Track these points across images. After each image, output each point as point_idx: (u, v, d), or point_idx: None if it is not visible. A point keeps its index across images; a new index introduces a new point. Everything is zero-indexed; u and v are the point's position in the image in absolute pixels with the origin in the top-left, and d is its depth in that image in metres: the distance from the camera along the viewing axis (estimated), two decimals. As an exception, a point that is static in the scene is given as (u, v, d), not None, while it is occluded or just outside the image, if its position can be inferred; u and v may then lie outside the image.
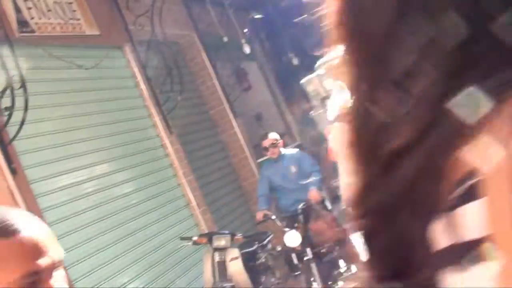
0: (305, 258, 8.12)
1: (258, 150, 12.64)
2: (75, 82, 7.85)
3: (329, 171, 10.12)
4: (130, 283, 7.35)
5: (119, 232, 7.54)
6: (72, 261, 6.55)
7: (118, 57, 9.02)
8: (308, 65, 11.47)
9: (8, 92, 6.08)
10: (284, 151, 9.25)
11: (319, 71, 10.21)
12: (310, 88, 10.23)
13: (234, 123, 11.73)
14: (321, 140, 11.89)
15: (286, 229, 8.07)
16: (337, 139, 4.66)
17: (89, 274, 6.77)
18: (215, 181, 10.89)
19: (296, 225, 8.26)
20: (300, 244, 8.03)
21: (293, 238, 7.95)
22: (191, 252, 8.44)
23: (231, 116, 11.73)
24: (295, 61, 14.59)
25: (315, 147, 14.45)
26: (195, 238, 7.23)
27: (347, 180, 4.55)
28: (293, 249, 8.20)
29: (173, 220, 8.69)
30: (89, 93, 8.04)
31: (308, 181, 8.54)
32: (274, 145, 9.03)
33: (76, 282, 6.49)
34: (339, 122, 4.70)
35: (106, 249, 7.19)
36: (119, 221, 7.61)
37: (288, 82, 15.40)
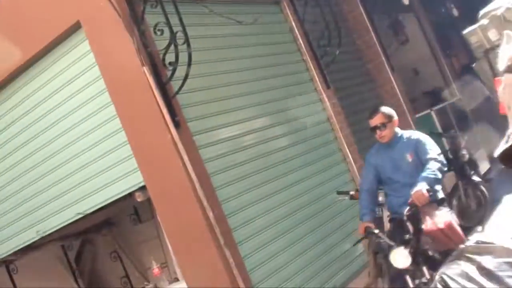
0: (419, 281, 5.93)
1: (416, 104, 12.41)
2: (235, 38, 8.01)
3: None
4: (286, 233, 7.49)
5: (276, 185, 7.67)
6: (231, 210, 6.77)
7: (276, 12, 9.10)
8: (469, 16, 10.99)
9: (172, 47, 6.29)
10: (400, 132, 6.79)
11: (483, 22, 9.75)
12: (472, 40, 9.83)
13: (392, 77, 11.52)
14: (482, 94, 11.48)
15: (392, 243, 5.99)
16: (509, 90, 4.49)
17: (247, 224, 6.97)
18: (372, 136, 10.74)
19: (406, 237, 6.13)
20: (412, 263, 5.91)
21: (400, 259, 5.88)
22: (347, 207, 8.46)
23: (388, 70, 11.52)
24: (455, 12, 14.10)
25: (476, 101, 13.99)
26: (352, 193, 7.21)
27: None
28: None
29: (329, 174, 8.72)
30: (248, 49, 8.20)
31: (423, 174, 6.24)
32: (383, 125, 6.64)
33: (235, 230, 6.71)
34: (508, 73, 4.52)
35: (263, 200, 7.35)
36: (276, 174, 7.75)
37: (447, 35, 14.92)
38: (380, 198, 7.06)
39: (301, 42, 9.12)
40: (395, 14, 12.83)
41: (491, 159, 12.95)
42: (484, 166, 12.13)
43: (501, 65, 4.92)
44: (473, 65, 9.63)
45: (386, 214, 7.09)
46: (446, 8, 14.83)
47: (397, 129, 6.70)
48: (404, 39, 13.12)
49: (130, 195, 7.02)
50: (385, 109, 6.75)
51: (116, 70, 6.66)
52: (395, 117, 6.70)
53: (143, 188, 6.78)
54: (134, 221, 9.22)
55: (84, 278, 9.64)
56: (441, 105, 12.33)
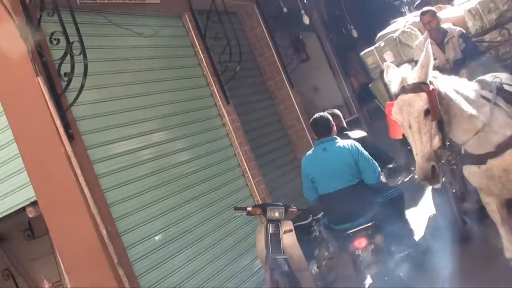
0: None
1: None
2: (134, 49, 7.89)
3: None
4: (184, 250, 7.40)
5: (174, 200, 7.58)
6: (127, 227, 6.61)
7: (177, 26, 9.04)
8: (368, 38, 11.26)
9: (68, 58, 6.12)
10: None
11: (379, 44, 10.00)
12: (369, 61, 10.09)
13: (291, 94, 11.65)
14: (379, 113, 11.77)
15: None
16: (406, 110, 4.60)
17: (143, 241, 6.82)
18: (271, 152, 10.86)
19: None
20: None
21: None
22: (246, 222, 8.45)
23: (288, 87, 11.65)
24: (355, 33, 14.42)
25: (373, 120, 14.34)
26: (249, 209, 7.20)
27: (423, 151, 4.46)
28: None
29: (228, 190, 8.70)
30: (148, 61, 8.07)
31: None
32: None
33: (130, 248, 6.55)
34: (406, 93, 4.64)
35: (161, 217, 7.23)
36: (174, 189, 7.65)
37: (347, 54, 15.24)
38: None
39: (202, 57, 9.08)
40: (297, 32, 12.97)
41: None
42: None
43: (394, 87, 5.06)
44: (370, 85, 9.84)
45: None
46: (347, 29, 15.15)
47: None
48: (305, 57, 13.28)
49: (24, 209, 6.76)
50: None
51: (9, 79, 6.41)
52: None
53: (35, 203, 6.53)
54: (28, 237, 8.87)
55: (-26, 296, 9.19)
56: (339, 123, 12.53)
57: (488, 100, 5.13)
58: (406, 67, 5.00)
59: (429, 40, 4.81)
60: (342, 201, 6.52)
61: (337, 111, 7.67)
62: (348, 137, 7.01)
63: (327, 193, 6.63)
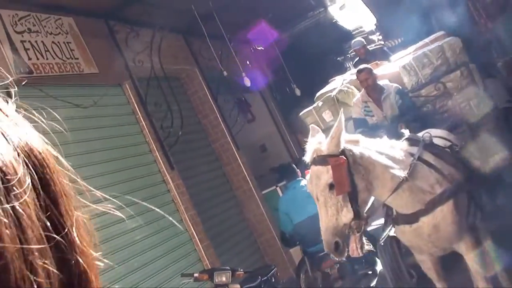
0: None
1: (264, 181, 12.62)
2: (73, 121, 7.83)
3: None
4: (132, 321, 7.29)
5: (122, 269, 7.48)
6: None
7: (117, 94, 9.05)
8: (312, 95, 11.38)
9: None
10: None
11: (318, 103, 10.04)
12: (308, 121, 10.15)
13: (237, 156, 11.71)
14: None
15: None
16: (316, 182, 4.63)
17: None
18: (219, 214, 10.84)
19: None
20: None
21: None
22: (195, 288, 8.39)
23: (234, 148, 11.71)
24: (298, 92, 14.60)
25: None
26: (196, 275, 7.14)
27: (327, 224, 4.49)
28: None
29: (176, 256, 8.64)
30: (88, 131, 8.03)
31: None
32: None
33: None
34: (315, 165, 4.68)
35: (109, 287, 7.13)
36: (121, 258, 7.57)
37: (292, 112, 15.42)
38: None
39: (144, 124, 9.10)
40: (240, 93, 13.09)
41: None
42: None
43: (307, 157, 5.08)
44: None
45: None
46: (290, 88, 15.33)
47: None
48: (250, 118, 13.39)
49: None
50: None
51: None
52: None
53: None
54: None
55: None
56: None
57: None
58: (321, 135, 5.01)
59: (341, 114, 4.86)
60: (312, 226, 7.45)
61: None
62: None
63: (300, 221, 8.40)
